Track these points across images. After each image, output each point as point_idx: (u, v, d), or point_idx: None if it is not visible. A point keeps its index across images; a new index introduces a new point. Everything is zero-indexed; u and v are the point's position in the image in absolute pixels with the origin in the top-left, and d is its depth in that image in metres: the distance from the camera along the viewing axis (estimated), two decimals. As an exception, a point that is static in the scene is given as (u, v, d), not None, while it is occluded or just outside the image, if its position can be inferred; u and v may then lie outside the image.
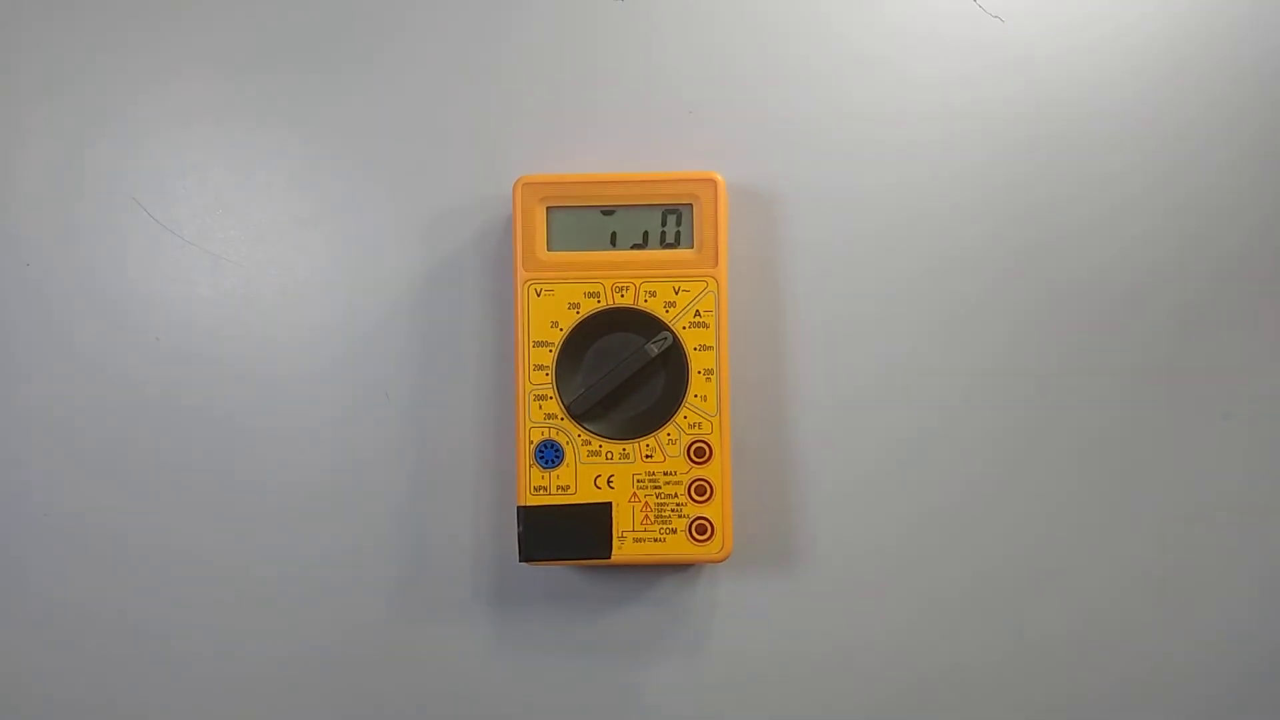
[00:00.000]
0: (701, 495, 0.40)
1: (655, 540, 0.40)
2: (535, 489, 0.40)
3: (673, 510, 0.40)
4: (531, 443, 0.40)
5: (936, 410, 0.43)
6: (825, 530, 0.43)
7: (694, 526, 0.40)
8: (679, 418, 0.40)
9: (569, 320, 0.40)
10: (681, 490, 0.40)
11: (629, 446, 0.40)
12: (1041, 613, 0.43)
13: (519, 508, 0.40)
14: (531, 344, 0.40)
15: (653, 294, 0.40)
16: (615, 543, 0.40)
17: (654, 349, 0.40)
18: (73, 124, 0.44)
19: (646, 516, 0.40)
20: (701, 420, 0.40)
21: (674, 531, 0.40)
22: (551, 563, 0.41)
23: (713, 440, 0.40)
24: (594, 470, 0.40)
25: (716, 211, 0.40)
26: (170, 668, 0.44)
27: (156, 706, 0.44)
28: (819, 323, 0.43)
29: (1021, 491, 0.43)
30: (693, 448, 0.40)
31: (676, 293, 0.40)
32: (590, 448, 0.40)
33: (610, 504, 0.40)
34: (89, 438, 0.44)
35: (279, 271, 0.44)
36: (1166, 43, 0.43)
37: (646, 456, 0.40)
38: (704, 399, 0.40)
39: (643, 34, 0.44)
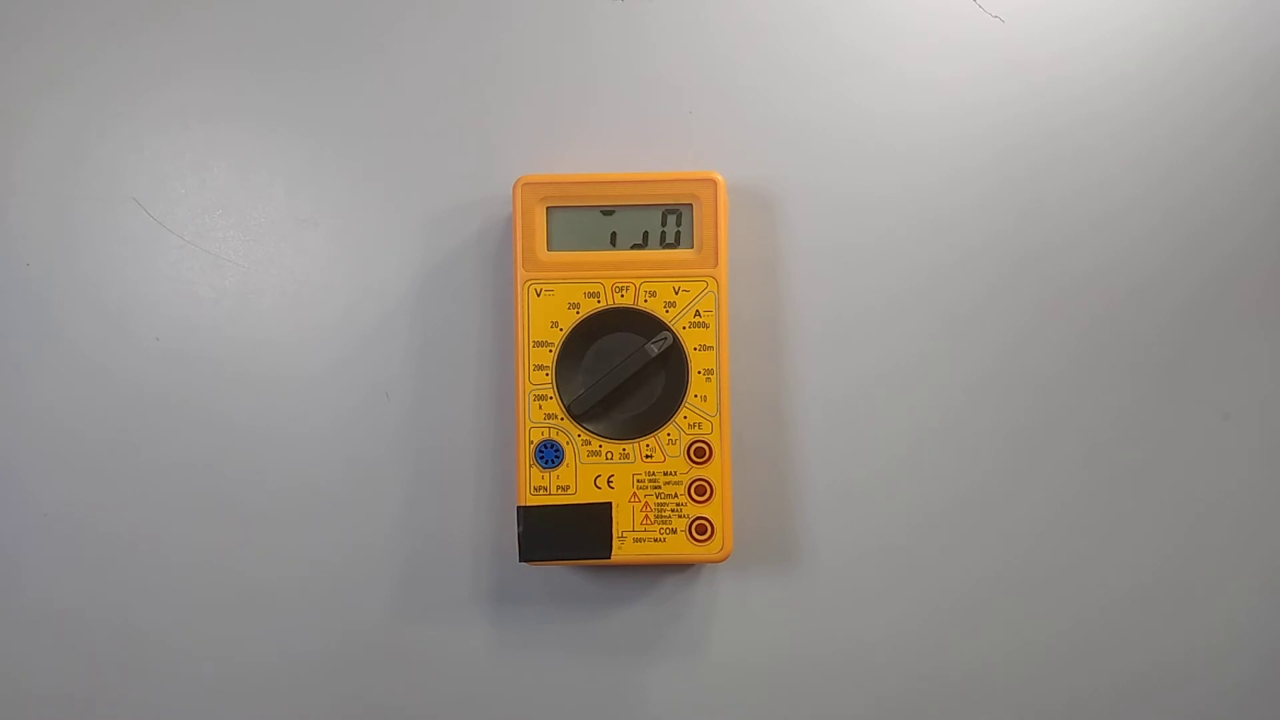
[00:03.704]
0: (701, 495, 0.40)
1: (655, 540, 0.40)
2: (535, 489, 0.40)
3: (673, 510, 0.40)
4: (531, 443, 0.40)
5: (937, 410, 0.43)
6: (825, 530, 0.43)
7: (694, 526, 0.40)
8: (679, 418, 0.40)
9: (569, 320, 0.40)
10: (681, 490, 0.40)
11: (629, 446, 0.40)
12: (1042, 613, 0.43)
13: (519, 508, 0.40)
14: (531, 344, 0.40)
15: (653, 294, 0.40)
16: (615, 543, 0.40)
17: (654, 349, 0.40)
18: (73, 123, 0.44)
19: (646, 516, 0.40)
20: (701, 420, 0.40)
21: (674, 531, 0.40)
22: (551, 563, 0.41)
23: (713, 440, 0.40)
24: (594, 470, 0.40)
25: (716, 211, 0.40)
26: (169, 669, 0.44)
27: (156, 708, 0.44)
28: (819, 323, 0.43)
29: (1022, 492, 0.43)
30: (693, 448, 0.40)
31: (676, 293, 0.40)
32: (590, 448, 0.40)
33: (610, 504, 0.40)
34: (88, 438, 0.44)
35: (279, 271, 0.44)
36: (1167, 43, 0.43)
37: (646, 456, 0.40)
38: (704, 399, 0.40)
39: (643, 34, 0.44)
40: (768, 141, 0.43)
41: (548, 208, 0.41)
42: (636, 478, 0.40)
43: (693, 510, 0.40)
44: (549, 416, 0.40)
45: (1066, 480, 0.43)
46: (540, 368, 0.40)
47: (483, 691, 0.43)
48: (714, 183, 0.41)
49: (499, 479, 0.43)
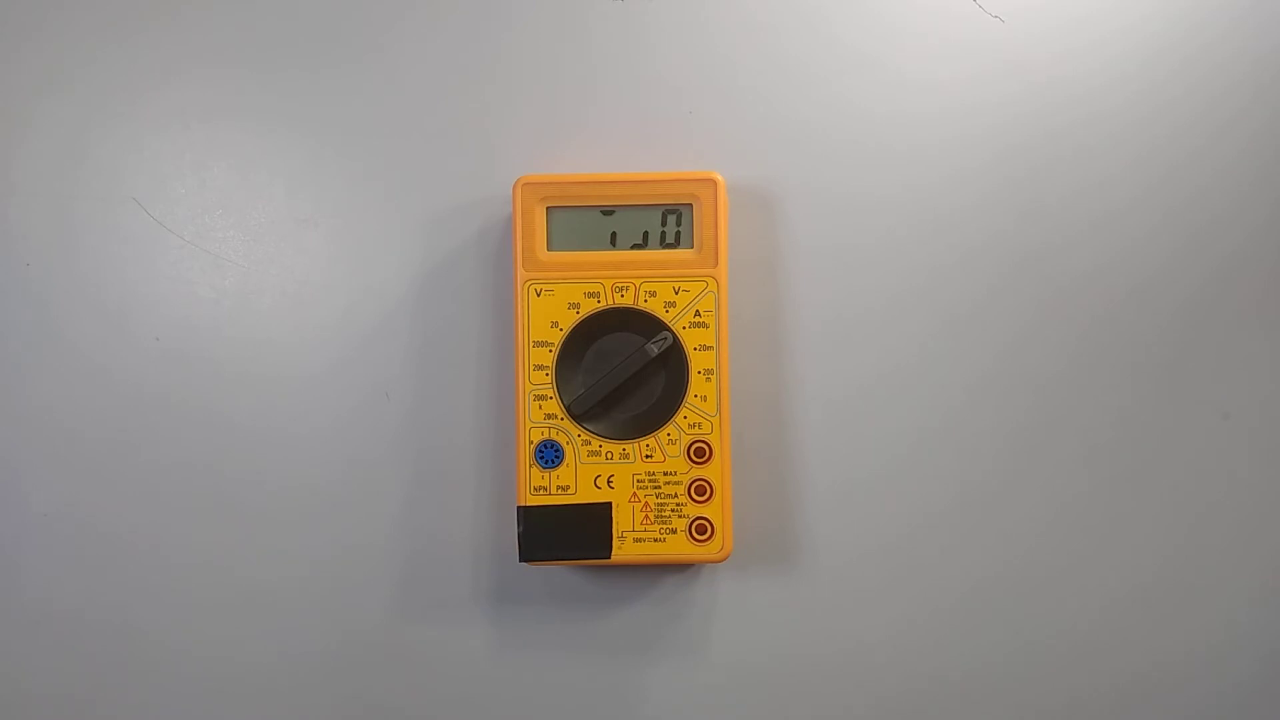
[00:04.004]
0: (701, 495, 0.40)
1: (655, 540, 0.40)
2: (535, 489, 0.40)
3: (673, 510, 0.40)
4: (531, 443, 0.40)
5: (937, 410, 0.43)
6: (825, 530, 0.43)
7: (694, 526, 0.40)
8: (679, 418, 0.40)
9: (569, 320, 0.40)
10: (681, 490, 0.40)
11: (629, 446, 0.40)
12: (1042, 613, 0.43)
13: (519, 508, 0.40)
14: (531, 344, 0.40)
15: (653, 294, 0.40)
16: (615, 543, 0.40)
17: (654, 349, 0.40)
18: (73, 123, 0.44)
19: (646, 516, 0.40)
20: (701, 420, 0.40)
21: (674, 531, 0.40)
22: (551, 563, 0.41)
23: (713, 440, 0.40)
24: (594, 470, 0.40)
25: (716, 211, 0.40)
26: (169, 669, 0.44)
27: (156, 708, 0.44)
28: (819, 323, 0.43)
29: (1021, 492, 0.43)
30: (693, 448, 0.40)
31: (676, 293, 0.40)
32: (590, 448, 0.40)
33: (610, 504, 0.40)
34: (88, 438, 0.44)
35: (279, 271, 0.44)
36: (1167, 43, 0.43)
37: (646, 456, 0.40)
38: (704, 399, 0.40)
39: (643, 34, 0.44)
40: (768, 141, 0.43)
41: (548, 208, 0.41)
42: (636, 478, 0.40)
43: (693, 510, 0.40)
44: (549, 416, 0.40)
45: (1066, 480, 0.43)
46: (540, 368, 0.40)
47: (483, 691, 0.43)
48: (714, 183, 0.41)
49: (499, 479, 0.43)
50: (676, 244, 0.41)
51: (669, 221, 0.41)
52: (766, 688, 0.43)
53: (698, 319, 0.40)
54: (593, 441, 0.40)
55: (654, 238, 0.41)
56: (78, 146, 0.44)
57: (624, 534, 0.40)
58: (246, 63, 0.44)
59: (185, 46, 0.44)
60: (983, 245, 0.43)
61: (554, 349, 0.40)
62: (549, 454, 0.40)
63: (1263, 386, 0.43)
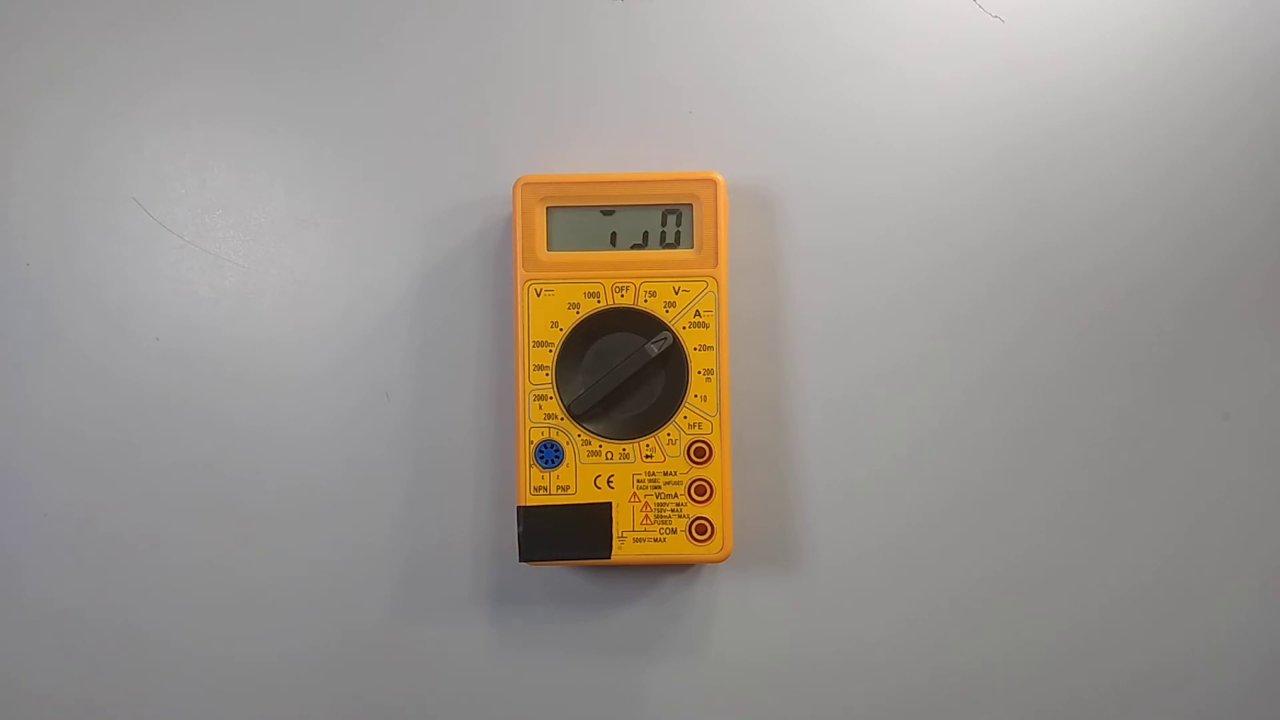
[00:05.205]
0: (701, 495, 0.40)
1: (655, 540, 0.40)
2: (535, 489, 0.40)
3: (673, 510, 0.40)
4: (531, 443, 0.40)
5: (937, 410, 0.43)
6: (825, 530, 0.43)
7: (694, 526, 0.40)
8: (679, 418, 0.40)
9: (569, 320, 0.40)
10: (681, 490, 0.40)
11: (629, 446, 0.40)
12: (1042, 613, 0.43)
13: (519, 508, 0.40)
14: (531, 344, 0.40)
15: (653, 294, 0.40)
16: (615, 543, 0.40)
17: (654, 349, 0.40)
18: (73, 123, 0.44)
19: (646, 516, 0.40)
20: (701, 420, 0.40)
21: (674, 531, 0.40)
22: (551, 563, 0.41)
23: (713, 440, 0.40)
24: (594, 470, 0.40)
25: (716, 211, 0.40)
26: (169, 669, 0.44)
27: (156, 708, 0.44)
28: (819, 323, 0.43)
29: (1022, 492, 0.43)
30: (693, 448, 0.40)
31: (676, 293, 0.40)
32: (590, 448, 0.40)
33: (610, 504, 0.40)
34: (88, 438, 0.44)
35: (279, 271, 0.44)
36: (1167, 43, 0.43)
37: (646, 456, 0.40)
38: (704, 399, 0.40)
39: (643, 34, 0.44)
40: (768, 141, 0.43)
41: (548, 208, 0.41)
42: (636, 478, 0.40)
43: (693, 510, 0.40)
44: (549, 416, 0.40)
45: (1066, 480, 0.43)
46: (540, 368, 0.40)
47: (483, 691, 0.43)
48: (714, 183, 0.41)
49: (499, 479, 0.43)
50: (676, 244, 0.41)
51: (669, 221, 0.41)
52: (766, 688, 0.43)
53: (698, 319, 0.40)
54: (593, 441, 0.40)
55: (654, 238, 0.41)
56: (78, 146, 0.44)
57: (624, 534, 0.40)
58: (246, 63, 0.44)
59: (185, 46, 0.44)
60: (983, 245, 0.43)
61: (554, 349, 0.40)
62: (549, 454, 0.40)
63: (1263, 386, 0.43)
